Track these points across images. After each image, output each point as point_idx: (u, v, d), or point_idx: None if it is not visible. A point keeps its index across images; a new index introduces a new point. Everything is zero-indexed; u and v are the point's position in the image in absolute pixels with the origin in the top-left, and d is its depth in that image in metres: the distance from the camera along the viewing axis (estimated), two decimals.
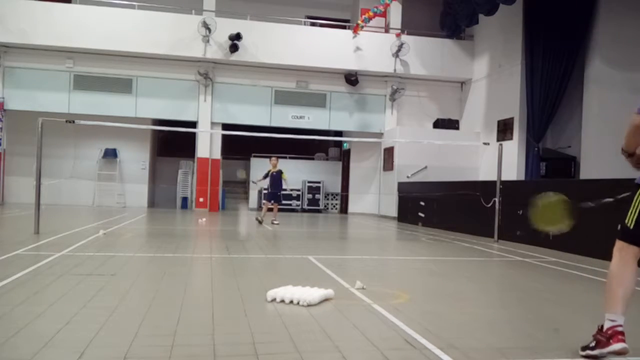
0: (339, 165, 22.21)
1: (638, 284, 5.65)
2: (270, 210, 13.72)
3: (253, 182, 14.93)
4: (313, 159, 22.72)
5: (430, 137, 17.33)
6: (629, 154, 3.02)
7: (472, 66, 19.34)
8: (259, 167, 15.20)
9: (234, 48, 17.69)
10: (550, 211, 3.47)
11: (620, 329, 2.89)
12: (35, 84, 17.69)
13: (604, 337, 2.93)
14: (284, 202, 19.61)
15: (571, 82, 15.13)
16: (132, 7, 17.84)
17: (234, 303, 4.25)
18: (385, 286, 5.25)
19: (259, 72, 18.92)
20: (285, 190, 13.86)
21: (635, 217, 2.96)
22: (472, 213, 11.85)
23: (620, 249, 3.02)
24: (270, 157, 14.28)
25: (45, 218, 10.36)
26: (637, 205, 2.96)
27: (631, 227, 2.97)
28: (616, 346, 2.87)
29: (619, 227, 3.07)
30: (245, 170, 14.30)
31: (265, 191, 14.56)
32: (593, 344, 3.01)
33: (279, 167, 13.68)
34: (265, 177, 13.69)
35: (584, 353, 3.03)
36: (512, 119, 16.59)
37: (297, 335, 3.20)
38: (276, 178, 13.51)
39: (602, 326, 2.99)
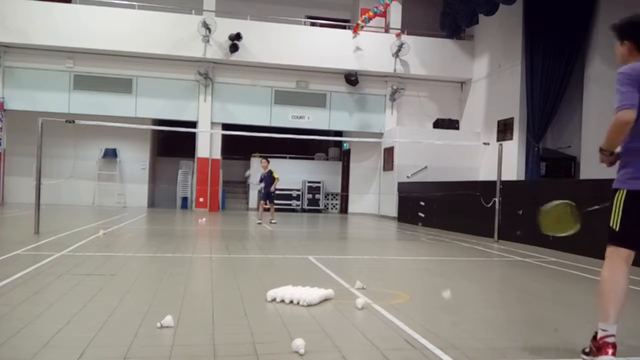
0: (339, 165, 22.20)
1: (636, 283, 5.64)
2: (267, 210, 13.84)
3: (254, 183, 15.31)
4: (313, 159, 22.71)
5: (430, 137, 17.33)
6: (610, 153, 3.05)
7: (472, 66, 19.33)
8: (259, 167, 15.36)
9: (234, 48, 17.69)
10: (558, 216, 3.45)
11: (611, 339, 2.86)
12: (35, 84, 17.68)
13: (595, 346, 2.94)
14: (284, 201, 19.66)
15: (571, 82, 15.13)
16: (132, 7, 17.83)
17: (234, 303, 4.25)
18: (385, 286, 5.25)
19: (259, 72, 18.92)
20: (272, 191, 13.86)
21: (619, 218, 2.97)
22: (472, 213, 11.85)
23: (610, 253, 3.01)
24: (260, 159, 14.37)
25: (45, 218, 10.36)
26: (619, 207, 2.97)
27: (617, 229, 2.98)
28: (603, 359, 2.86)
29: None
30: (250, 171, 14.90)
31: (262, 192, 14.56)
32: (587, 349, 3.02)
33: (269, 168, 13.80)
34: (261, 181, 13.86)
35: (582, 358, 3.04)
36: (512, 119, 16.59)
37: (297, 335, 3.20)
38: (267, 178, 13.66)
39: (596, 334, 2.97)
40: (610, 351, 2.84)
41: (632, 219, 2.94)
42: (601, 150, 3.09)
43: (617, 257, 2.98)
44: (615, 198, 3.01)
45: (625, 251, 2.97)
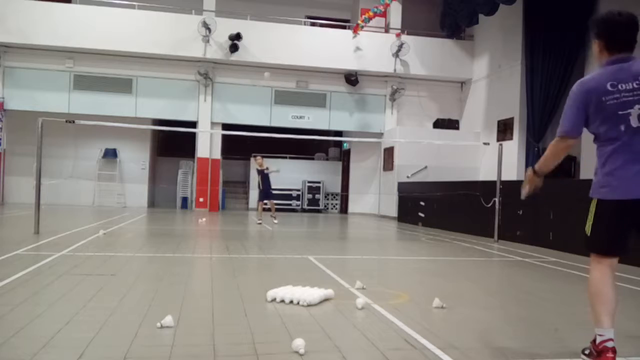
0: (339, 165, 22.20)
1: (636, 283, 5.64)
2: (267, 210, 13.82)
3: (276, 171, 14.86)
4: (313, 159, 22.71)
5: (430, 137, 17.34)
6: (541, 175, 3.17)
7: (472, 66, 19.33)
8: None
9: (234, 48, 17.69)
10: None
11: (610, 344, 2.85)
12: (35, 84, 17.68)
13: (595, 350, 2.93)
14: (284, 202, 19.65)
15: (571, 82, 15.11)
16: (132, 7, 17.83)
17: (234, 303, 4.25)
18: (385, 286, 5.25)
19: (259, 72, 18.89)
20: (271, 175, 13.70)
21: (591, 225, 3.01)
22: (472, 213, 11.85)
23: (592, 259, 3.03)
24: (255, 156, 14.20)
25: (45, 218, 10.36)
26: (592, 215, 3.01)
27: (589, 235, 3.01)
28: None
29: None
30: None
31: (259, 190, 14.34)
32: (587, 351, 3.02)
33: (265, 166, 13.55)
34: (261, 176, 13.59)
35: (582, 358, 3.04)
36: (512, 119, 16.59)
37: (297, 335, 3.20)
38: (265, 176, 13.49)
39: (595, 339, 2.96)
40: (610, 356, 2.83)
41: (604, 227, 2.96)
42: (535, 172, 3.17)
43: (598, 263, 2.99)
44: (590, 205, 3.04)
45: (609, 259, 2.98)
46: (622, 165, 2.89)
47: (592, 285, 2.98)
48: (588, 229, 3.02)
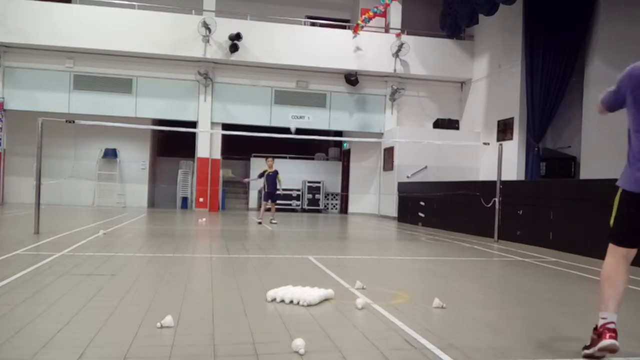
0: (339, 165, 22.21)
1: (636, 284, 5.64)
2: (268, 210, 13.87)
3: (247, 180, 16.43)
4: (313, 159, 22.72)
5: (430, 137, 17.34)
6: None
7: (472, 66, 19.33)
8: (259, 167, 15.64)
9: (234, 48, 17.69)
10: None
11: (611, 326, 2.91)
12: (35, 84, 17.68)
13: (596, 334, 2.98)
14: (284, 201, 19.74)
15: (571, 82, 15.13)
16: (132, 7, 17.84)
17: (234, 303, 4.25)
18: (385, 286, 5.25)
19: (259, 72, 18.92)
20: (279, 190, 13.93)
21: (614, 215, 3.06)
22: (472, 213, 11.85)
23: (610, 250, 3.09)
24: (266, 157, 14.45)
25: (45, 218, 10.36)
26: (615, 204, 3.06)
27: (611, 225, 3.07)
28: (604, 342, 2.88)
29: None
30: (229, 170, 15.79)
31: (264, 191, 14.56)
32: (588, 344, 3.04)
33: (275, 168, 13.83)
34: (261, 176, 13.87)
35: (582, 353, 3.06)
36: (512, 119, 16.59)
37: (297, 335, 3.20)
38: (273, 178, 13.66)
39: (597, 325, 3.02)
40: (610, 335, 2.87)
41: (624, 217, 3.02)
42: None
43: (615, 253, 3.05)
44: (617, 195, 3.09)
45: (624, 250, 3.03)
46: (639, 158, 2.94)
47: (604, 270, 3.05)
48: (612, 218, 3.08)
